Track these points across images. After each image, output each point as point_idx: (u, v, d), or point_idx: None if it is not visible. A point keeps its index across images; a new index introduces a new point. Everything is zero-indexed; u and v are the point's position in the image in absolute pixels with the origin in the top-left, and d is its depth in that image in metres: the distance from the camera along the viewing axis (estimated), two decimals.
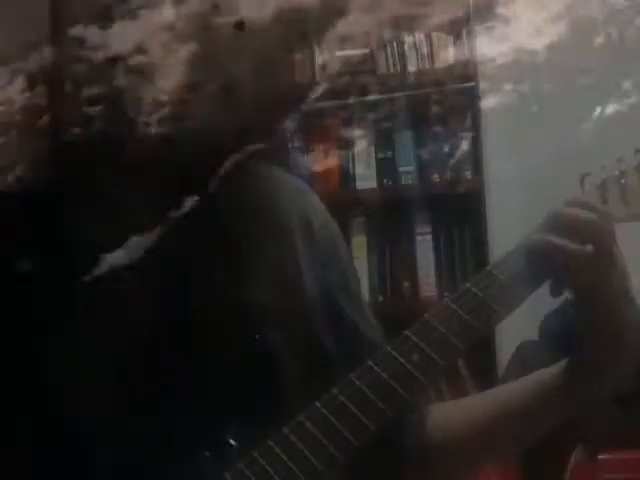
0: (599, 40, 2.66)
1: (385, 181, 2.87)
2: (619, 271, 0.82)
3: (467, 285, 0.82)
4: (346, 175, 2.90)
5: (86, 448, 0.72)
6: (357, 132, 2.91)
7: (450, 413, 0.94)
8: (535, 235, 0.83)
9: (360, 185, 2.88)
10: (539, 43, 2.74)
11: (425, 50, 2.83)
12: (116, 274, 0.73)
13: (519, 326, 1.90)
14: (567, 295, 0.85)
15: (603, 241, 0.81)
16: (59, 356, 0.72)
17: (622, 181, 0.90)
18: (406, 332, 0.80)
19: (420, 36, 2.84)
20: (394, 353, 0.78)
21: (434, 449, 0.91)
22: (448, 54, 2.83)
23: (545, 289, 0.85)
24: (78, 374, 0.71)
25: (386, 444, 0.80)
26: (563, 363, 0.87)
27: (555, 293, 0.83)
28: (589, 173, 0.91)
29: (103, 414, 0.72)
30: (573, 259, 0.80)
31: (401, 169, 2.86)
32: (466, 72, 2.76)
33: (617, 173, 0.90)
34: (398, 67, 2.86)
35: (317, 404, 0.76)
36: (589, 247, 0.80)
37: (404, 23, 2.85)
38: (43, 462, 0.72)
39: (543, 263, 0.82)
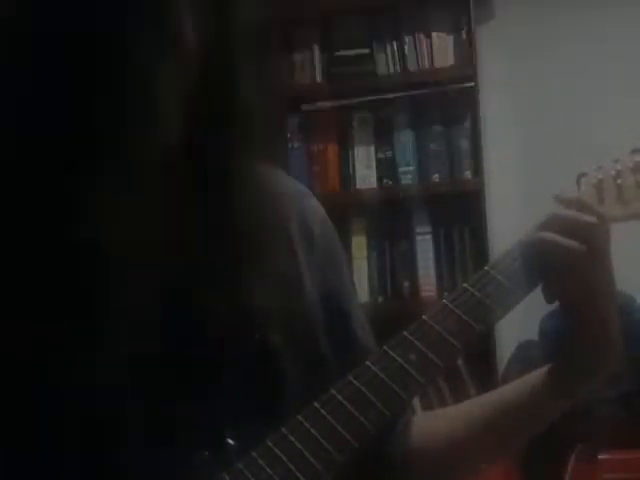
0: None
1: (385, 181, 2.87)
2: (609, 275, 0.83)
3: (464, 285, 0.82)
4: (346, 175, 2.90)
5: (86, 448, 0.72)
6: (357, 132, 2.91)
7: (436, 420, 0.94)
8: (530, 233, 0.84)
9: (360, 185, 2.88)
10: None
11: (425, 50, 2.83)
12: (113, 273, 0.73)
13: (519, 326, 1.91)
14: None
15: (597, 242, 0.82)
16: (58, 356, 0.72)
17: (618, 181, 0.90)
18: (404, 332, 0.80)
19: (420, 36, 2.84)
20: (392, 353, 0.78)
21: (419, 456, 0.91)
22: (448, 54, 2.83)
23: None
24: (77, 374, 0.71)
25: (370, 449, 0.80)
26: (550, 366, 0.87)
27: (548, 298, 0.83)
28: (585, 173, 0.91)
29: (103, 414, 0.72)
30: (566, 255, 0.81)
31: (401, 169, 2.86)
32: (466, 72, 2.76)
33: (613, 173, 0.90)
34: (398, 67, 2.86)
35: (315, 404, 0.76)
36: (583, 247, 0.81)
37: (404, 23, 2.85)
38: (42, 462, 0.72)
39: (537, 262, 0.83)
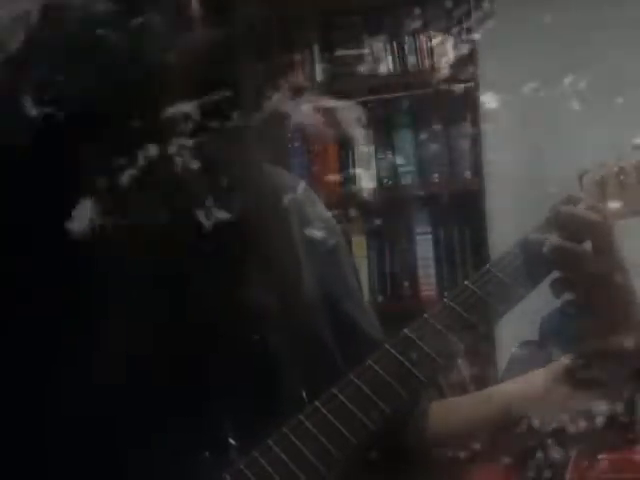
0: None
1: (385, 181, 2.87)
2: (619, 268, 0.83)
3: (465, 283, 0.82)
4: (346, 175, 2.90)
5: (85, 447, 0.72)
6: (357, 132, 2.90)
7: (451, 410, 0.94)
8: (532, 235, 0.84)
9: (360, 185, 2.88)
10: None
11: (425, 50, 2.83)
12: (111, 272, 0.73)
13: (519, 326, 1.90)
14: (568, 295, 0.85)
15: (600, 238, 0.82)
16: (58, 356, 0.72)
17: (621, 178, 0.90)
18: (405, 330, 0.80)
19: (420, 36, 2.84)
20: (393, 352, 0.78)
21: (435, 446, 0.91)
22: (448, 54, 2.83)
23: (545, 289, 0.85)
24: (77, 374, 0.71)
25: (389, 440, 0.80)
26: (562, 362, 0.87)
27: (557, 293, 0.83)
28: (587, 171, 0.91)
29: (102, 414, 0.71)
30: (570, 256, 0.81)
31: (401, 169, 2.86)
32: (466, 72, 2.75)
33: (616, 170, 0.90)
34: (398, 67, 2.86)
35: (316, 403, 0.76)
36: (587, 244, 0.81)
37: (404, 23, 2.85)
38: (40, 460, 0.72)
39: (541, 262, 0.83)
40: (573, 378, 0.86)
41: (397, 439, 0.87)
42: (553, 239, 0.83)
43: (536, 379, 0.89)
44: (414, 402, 0.88)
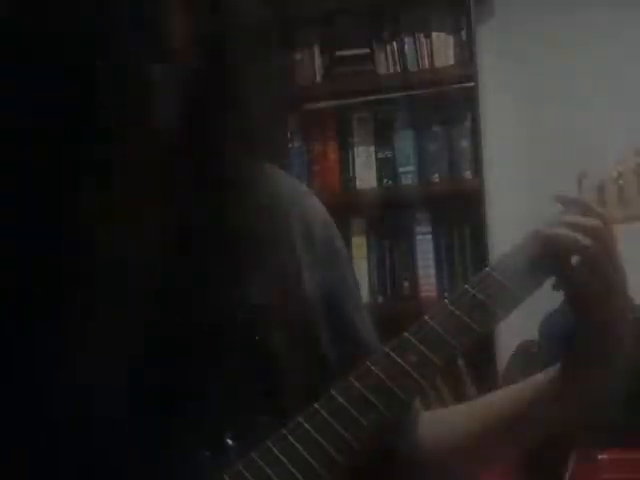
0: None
1: (385, 181, 2.87)
2: (617, 272, 0.83)
3: (465, 286, 0.82)
4: (346, 175, 2.90)
5: (85, 448, 0.72)
6: (357, 132, 2.91)
7: (445, 419, 0.94)
8: (531, 237, 0.85)
9: (360, 185, 2.88)
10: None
11: (425, 50, 2.83)
12: (111, 273, 0.73)
13: (519, 326, 1.90)
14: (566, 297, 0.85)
15: (599, 242, 0.82)
16: (57, 356, 0.72)
17: (620, 182, 0.89)
18: (405, 333, 0.80)
19: (420, 36, 2.84)
20: (392, 354, 0.78)
21: (428, 454, 0.91)
22: (448, 54, 2.83)
23: (545, 289, 0.85)
24: (76, 374, 0.71)
25: (381, 447, 0.80)
26: (560, 365, 0.87)
27: (556, 288, 0.84)
28: (586, 173, 0.91)
29: (102, 414, 0.72)
30: (570, 246, 0.82)
31: (401, 169, 2.86)
32: (466, 72, 2.75)
33: (615, 174, 0.90)
34: (398, 67, 2.85)
35: (316, 405, 0.76)
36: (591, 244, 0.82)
37: (404, 23, 2.85)
38: (40, 461, 0.72)
39: (541, 264, 0.83)
40: (572, 383, 0.86)
41: (387, 449, 0.87)
42: (552, 229, 0.83)
43: (536, 382, 0.89)
44: (410, 407, 0.88)
